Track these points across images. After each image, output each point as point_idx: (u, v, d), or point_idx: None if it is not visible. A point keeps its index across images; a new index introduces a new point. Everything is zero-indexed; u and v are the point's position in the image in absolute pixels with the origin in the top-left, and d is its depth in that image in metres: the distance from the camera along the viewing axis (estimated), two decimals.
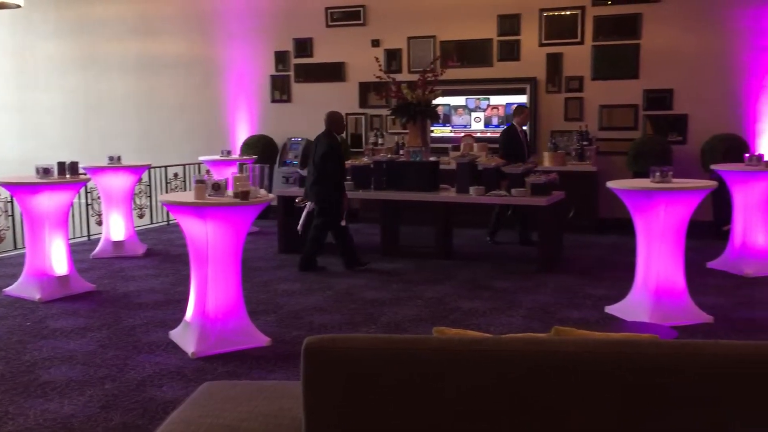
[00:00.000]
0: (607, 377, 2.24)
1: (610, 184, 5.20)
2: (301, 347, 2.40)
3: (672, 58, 8.88)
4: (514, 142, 8.04)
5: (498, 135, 8.85)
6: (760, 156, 6.68)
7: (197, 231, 4.55)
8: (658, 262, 5.01)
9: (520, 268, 6.94)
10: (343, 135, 8.17)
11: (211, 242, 4.54)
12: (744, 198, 6.59)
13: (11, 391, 3.95)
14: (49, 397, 3.87)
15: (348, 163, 8.07)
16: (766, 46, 8.52)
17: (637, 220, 5.13)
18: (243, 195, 4.49)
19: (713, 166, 6.88)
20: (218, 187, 4.61)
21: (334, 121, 6.95)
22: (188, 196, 4.63)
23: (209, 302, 4.61)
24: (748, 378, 2.21)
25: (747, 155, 6.79)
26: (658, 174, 5.04)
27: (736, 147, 8.16)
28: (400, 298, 5.93)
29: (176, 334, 4.80)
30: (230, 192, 4.64)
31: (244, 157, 9.72)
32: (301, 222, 7.27)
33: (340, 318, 5.39)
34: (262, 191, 4.76)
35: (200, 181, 4.57)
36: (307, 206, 7.14)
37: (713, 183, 5.12)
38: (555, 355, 2.30)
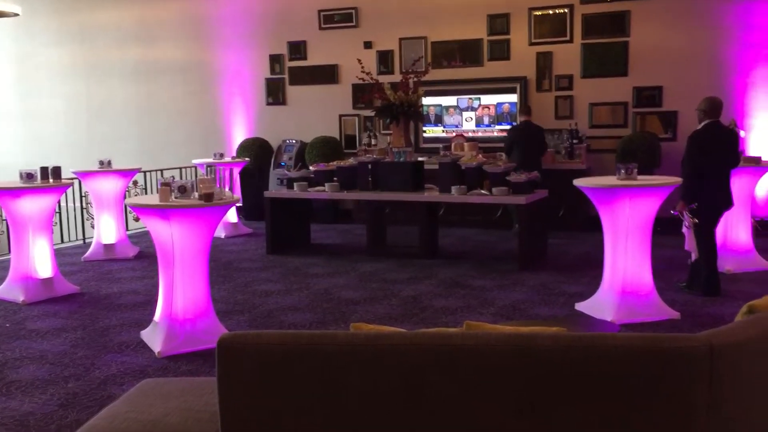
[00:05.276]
0: (504, 370, 2.29)
1: (577, 182, 5.23)
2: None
3: (661, 55, 8.85)
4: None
5: (494, 134, 8.86)
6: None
7: (163, 233, 4.64)
8: (624, 259, 5.02)
9: (501, 267, 6.96)
10: None
11: (177, 244, 4.63)
12: None
13: None
14: (12, 395, 3.98)
15: (334, 164, 8.17)
16: (753, 42, 8.47)
17: (603, 218, 5.14)
18: (207, 197, 4.58)
19: None
20: (184, 190, 4.70)
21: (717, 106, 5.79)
22: (153, 199, 4.72)
23: (176, 303, 4.70)
24: (640, 371, 2.24)
25: None
26: (623, 171, 5.05)
27: None
28: (376, 297, 5.99)
29: (146, 334, 4.91)
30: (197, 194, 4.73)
31: (238, 160, 9.85)
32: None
33: (311, 317, 5.46)
34: (228, 193, 4.84)
35: (165, 184, 4.66)
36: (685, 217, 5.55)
37: (677, 179, 5.12)
38: (456, 349, 2.35)
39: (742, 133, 7.77)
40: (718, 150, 5.57)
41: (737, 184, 6.45)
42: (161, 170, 10.09)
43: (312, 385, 2.40)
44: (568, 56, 9.27)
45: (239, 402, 2.44)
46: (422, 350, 2.35)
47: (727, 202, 5.67)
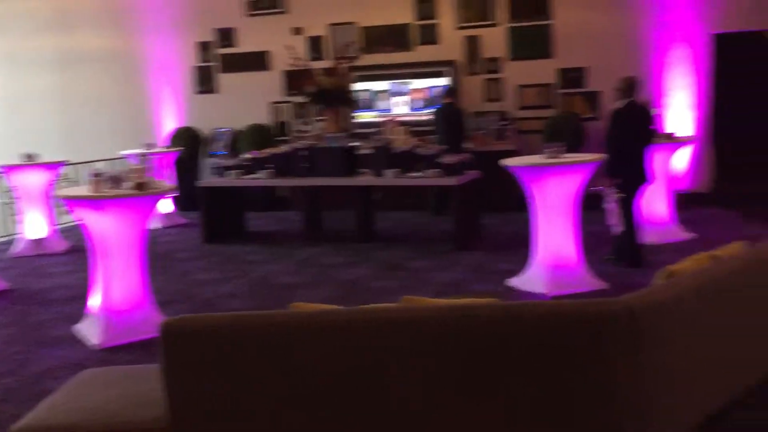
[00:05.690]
0: (442, 341, 2.39)
1: (505, 162, 5.39)
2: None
3: (584, 36, 9.12)
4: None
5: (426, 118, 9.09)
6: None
7: (97, 224, 4.58)
8: (551, 234, 5.22)
9: (437, 248, 7.10)
10: None
11: (112, 234, 4.58)
12: None
13: None
14: None
15: (268, 151, 8.15)
16: (668, 21, 8.83)
17: (531, 195, 5.33)
18: (139, 186, 4.54)
19: None
20: (117, 180, 4.65)
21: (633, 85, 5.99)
22: (86, 191, 4.65)
23: (113, 294, 4.66)
24: (566, 333, 2.38)
25: None
26: (549, 150, 5.24)
27: None
28: (315, 282, 6.05)
29: (81, 328, 4.84)
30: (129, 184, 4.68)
31: (171, 149, 9.70)
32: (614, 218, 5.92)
33: (250, 303, 5.48)
34: (161, 182, 4.80)
35: (97, 174, 4.59)
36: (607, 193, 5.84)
37: (600, 156, 5.34)
38: (394, 321, 2.44)
39: (654, 111, 8.13)
40: (635, 127, 5.84)
41: (656, 159, 6.77)
42: (88, 162, 9.84)
43: (256, 364, 2.45)
44: (495, 40, 9.46)
45: (185, 384, 2.48)
46: (361, 325, 2.44)
47: (646, 177, 5.94)
